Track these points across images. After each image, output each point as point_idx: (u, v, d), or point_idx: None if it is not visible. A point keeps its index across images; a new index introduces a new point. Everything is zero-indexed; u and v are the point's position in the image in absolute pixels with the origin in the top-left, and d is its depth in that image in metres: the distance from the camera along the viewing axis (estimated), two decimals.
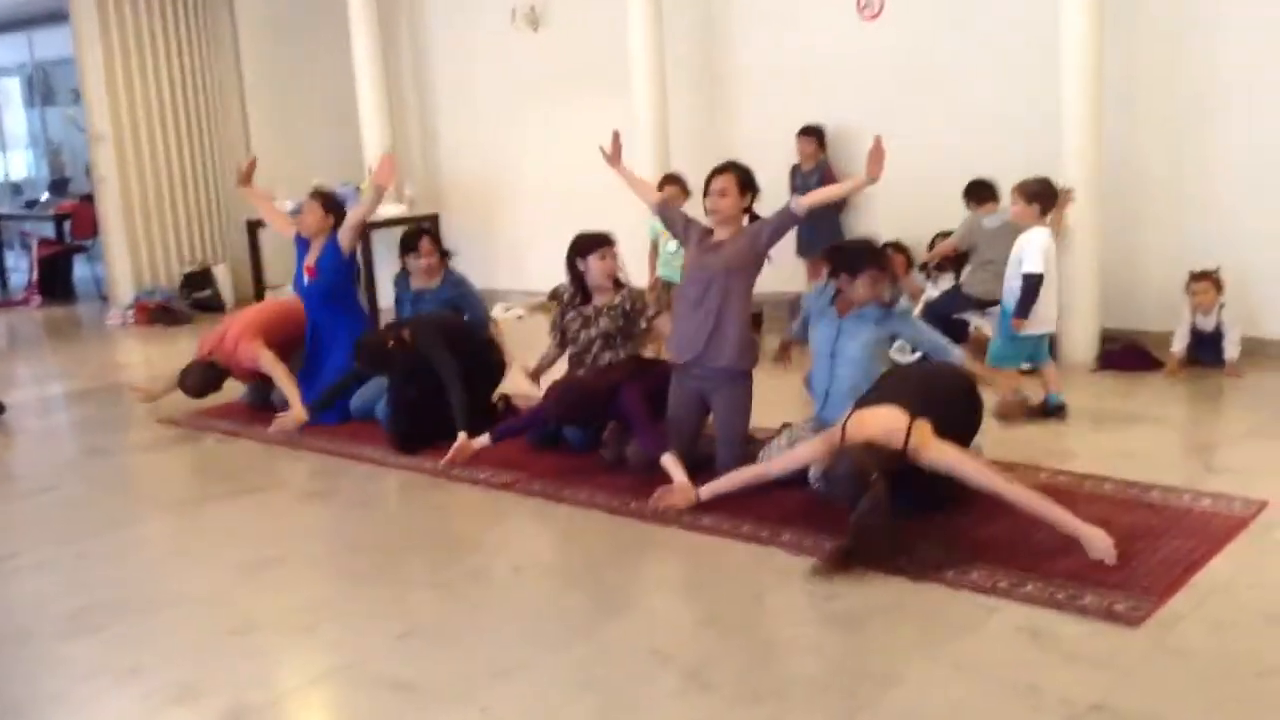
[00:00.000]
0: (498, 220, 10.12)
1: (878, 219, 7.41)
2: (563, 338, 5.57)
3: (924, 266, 7.31)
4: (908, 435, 4.00)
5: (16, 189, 14.94)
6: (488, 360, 5.88)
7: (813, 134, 7.68)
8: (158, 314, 9.91)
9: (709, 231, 4.99)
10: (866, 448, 3.99)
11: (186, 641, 3.66)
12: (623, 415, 4.97)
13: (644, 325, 5.48)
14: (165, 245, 10.61)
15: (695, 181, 7.97)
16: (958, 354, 4.85)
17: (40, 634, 3.75)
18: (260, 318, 6.48)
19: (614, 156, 5.26)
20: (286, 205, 9.74)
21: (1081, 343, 6.61)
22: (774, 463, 4.53)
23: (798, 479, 4.49)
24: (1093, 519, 4.13)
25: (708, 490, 4.51)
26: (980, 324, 6.71)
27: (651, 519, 4.47)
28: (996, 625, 3.46)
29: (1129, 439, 5.30)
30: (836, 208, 7.62)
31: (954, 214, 7.03)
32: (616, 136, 5.28)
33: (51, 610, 3.94)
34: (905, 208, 7.30)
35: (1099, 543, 3.81)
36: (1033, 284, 5.45)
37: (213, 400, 6.57)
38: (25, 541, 4.66)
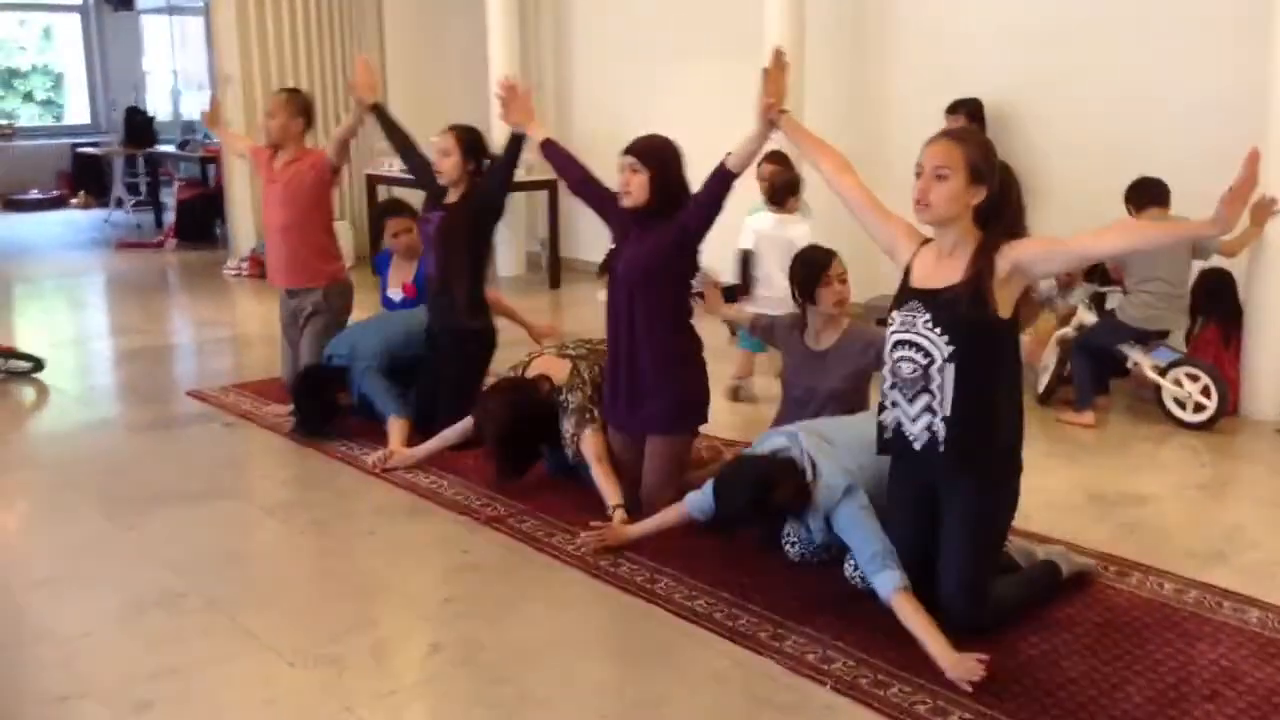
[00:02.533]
0: None
1: (1043, 219, 6.08)
2: None
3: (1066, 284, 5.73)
4: None
5: (190, 128, 14.89)
6: None
7: (964, 109, 6.43)
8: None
9: None
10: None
11: (8, 705, 2.99)
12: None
13: None
14: None
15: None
16: (888, 578, 3.14)
17: None
18: None
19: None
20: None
21: (1267, 393, 5.22)
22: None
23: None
24: (1215, 668, 2.99)
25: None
26: (1140, 360, 5.33)
27: (618, 584, 3.54)
28: None
29: None
30: None
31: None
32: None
33: None
34: (1074, 205, 5.94)
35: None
36: (741, 260, 5.55)
37: (252, 376, 6.05)
38: None
